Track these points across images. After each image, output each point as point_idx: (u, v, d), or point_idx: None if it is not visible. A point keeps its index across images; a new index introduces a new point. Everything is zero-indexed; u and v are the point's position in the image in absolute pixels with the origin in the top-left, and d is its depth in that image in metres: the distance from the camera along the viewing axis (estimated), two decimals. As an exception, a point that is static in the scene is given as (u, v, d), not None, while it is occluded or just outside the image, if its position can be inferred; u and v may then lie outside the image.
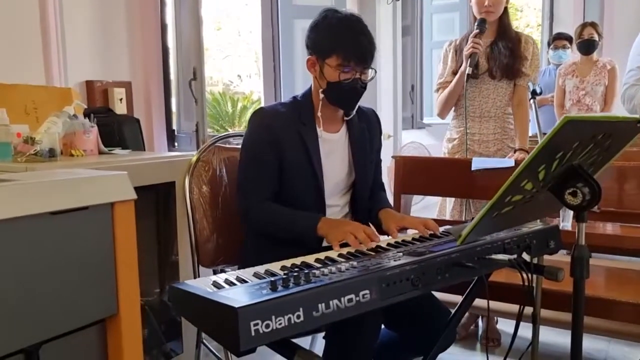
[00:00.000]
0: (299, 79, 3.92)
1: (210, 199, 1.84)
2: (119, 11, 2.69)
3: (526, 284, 1.27)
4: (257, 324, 0.94)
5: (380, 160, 1.90)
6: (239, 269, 1.75)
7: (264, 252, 1.55)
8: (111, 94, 2.58)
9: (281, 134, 1.62)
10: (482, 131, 2.40)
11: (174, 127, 3.22)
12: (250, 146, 1.65)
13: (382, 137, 5.06)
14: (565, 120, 0.92)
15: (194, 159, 1.85)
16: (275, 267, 1.25)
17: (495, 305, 1.97)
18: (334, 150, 1.71)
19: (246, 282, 1.13)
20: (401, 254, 1.29)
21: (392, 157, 2.35)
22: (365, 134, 1.78)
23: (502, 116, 2.39)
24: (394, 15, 4.86)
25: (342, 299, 1.06)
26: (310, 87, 1.72)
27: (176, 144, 3.21)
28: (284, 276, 1.07)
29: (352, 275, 1.11)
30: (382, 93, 4.76)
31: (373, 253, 1.36)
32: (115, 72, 2.67)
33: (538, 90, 1.94)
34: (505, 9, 2.39)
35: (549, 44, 4.52)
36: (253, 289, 1.05)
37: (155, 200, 1.98)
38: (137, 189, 1.85)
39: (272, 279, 1.06)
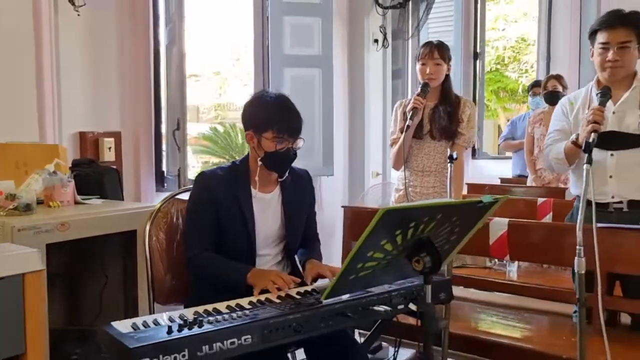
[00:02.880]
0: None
1: (166, 245, 2.13)
2: (112, 67, 3.06)
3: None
4: (146, 361, 1.23)
5: (315, 214, 2.18)
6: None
7: (205, 296, 1.83)
8: (101, 144, 2.93)
9: (218, 194, 1.92)
10: (422, 184, 2.67)
11: (164, 169, 3.57)
12: (193, 204, 1.96)
13: (370, 175, 5.28)
14: (383, 212, 1.19)
15: (156, 209, 2.16)
16: (189, 312, 1.53)
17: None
18: (266, 207, 2.00)
19: (159, 324, 1.42)
20: (296, 304, 1.57)
21: (342, 206, 2.63)
22: (297, 193, 2.07)
23: (442, 171, 2.65)
24: (383, 60, 5.16)
25: (225, 342, 1.34)
26: (248, 154, 2.02)
27: (165, 184, 3.55)
28: (181, 322, 1.36)
29: (238, 323, 1.39)
30: (371, 133, 5.04)
31: (279, 301, 1.64)
32: (106, 123, 3.03)
33: (454, 156, 2.20)
34: (447, 76, 2.67)
35: (528, 91, 4.76)
36: (155, 332, 1.33)
37: (123, 244, 2.28)
38: (107, 235, 2.18)
39: (170, 324, 1.35)
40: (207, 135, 9.56)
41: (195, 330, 1.34)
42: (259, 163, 1.94)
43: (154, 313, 2.09)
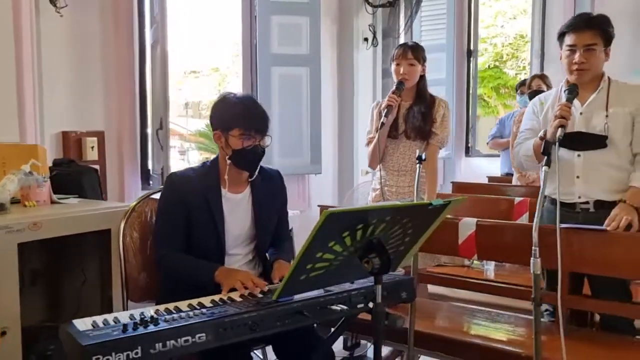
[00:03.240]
0: (275, 119, 4.27)
1: (139, 244, 2.17)
2: (95, 68, 3.10)
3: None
4: (98, 358, 1.27)
5: (286, 213, 2.21)
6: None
7: (174, 293, 1.87)
8: (84, 143, 2.98)
9: (188, 195, 1.96)
10: (398, 184, 2.70)
11: (150, 167, 3.61)
12: (163, 205, 2.00)
13: (360, 173, 5.31)
14: (325, 215, 1.23)
15: (130, 208, 2.20)
16: (151, 310, 1.57)
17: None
18: (237, 208, 2.03)
19: (118, 322, 1.46)
20: (255, 302, 1.61)
21: (318, 206, 2.66)
22: (268, 193, 2.10)
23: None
24: (373, 59, 5.19)
25: (179, 339, 1.39)
26: (218, 156, 2.05)
27: (151, 182, 3.59)
28: (138, 319, 1.40)
29: (193, 322, 1.43)
30: (360, 131, 5.06)
31: (241, 300, 1.68)
32: (90, 123, 3.07)
33: (423, 157, 2.22)
34: (422, 77, 2.70)
35: (516, 89, 4.77)
36: (111, 330, 1.37)
37: (100, 243, 2.32)
38: (84, 233, 2.22)
39: (127, 322, 1.39)
40: (203, 132, 9.62)
41: (151, 328, 1.38)
42: (228, 162, 1.98)
43: (127, 310, 2.15)
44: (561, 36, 2.28)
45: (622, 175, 2.17)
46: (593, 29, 2.20)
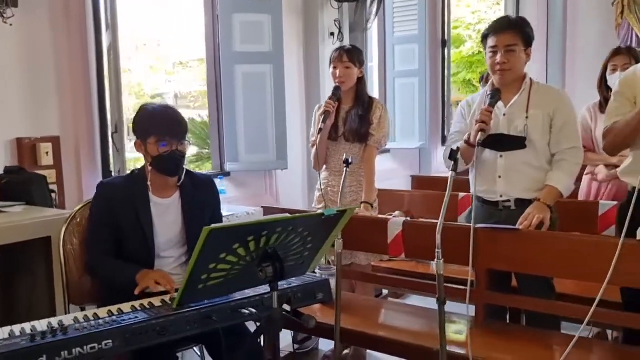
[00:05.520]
0: (239, 116, 4.34)
1: (80, 250, 2.26)
2: (49, 73, 3.13)
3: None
4: (3, 368, 1.37)
5: (221, 216, 2.30)
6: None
7: (113, 296, 1.97)
8: (38, 149, 3.05)
9: (115, 202, 2.06)
10: (340, 184, 2.78)
11: (112, 169, 3.68)
12: (92, 213, 2.10)
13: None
14: (207, 232, 1.32)
15: (70, 215, 2.29)
16: (68, 318, 1.66)
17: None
18: (166, 212, 2.13)
19: (34, 331, 1.55)
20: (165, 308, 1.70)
21: (262, 207, 2.75)
22: (198, 197, 2.18)
23: (357, 171, 2.77)
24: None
25: (85, 347, 1.48)
26: (144, 163, 2.14)
27: (112, 184, 3.67)
28: (47, 329, 1.50)
29: (101, 329, 1.52)
30: (329, 126, 5.14)
31: (160, 304, 1.77)
32: (44, 128, 3.13)
33: (350, 161, 2.30)
34: (360, 79, 2.77)
35: (480, 81, 4.83)
36: (20, 340, 1.47)
37: (44, 249, 2.41)
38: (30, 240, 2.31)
39: (39, 331, 1.49)
40: (195, 122, 9.62)
41: (59, 336, 1.48)
42: (149, 168, 2.08)
43: (69, 314, 2.25)
44: (484, 39, 2.36)
45: (541, 174, 2.26)
46: (513, 31, 2.27)
